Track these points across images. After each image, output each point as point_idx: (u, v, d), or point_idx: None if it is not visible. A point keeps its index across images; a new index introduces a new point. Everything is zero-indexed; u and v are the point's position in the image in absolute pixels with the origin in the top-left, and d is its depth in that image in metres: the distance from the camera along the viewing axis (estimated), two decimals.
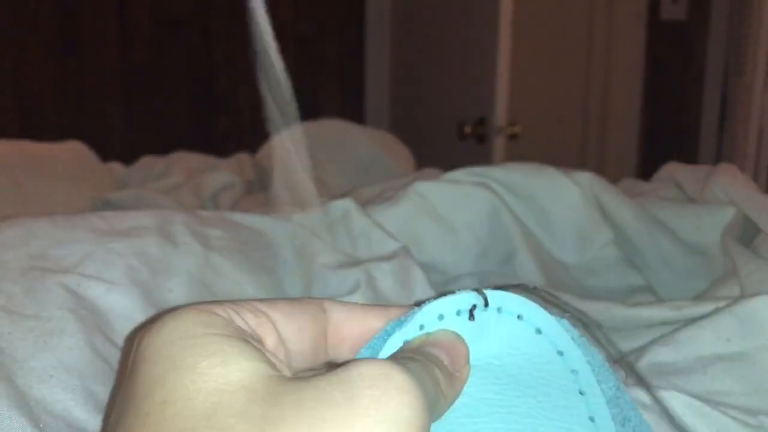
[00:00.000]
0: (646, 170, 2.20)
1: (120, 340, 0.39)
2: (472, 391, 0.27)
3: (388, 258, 0.56)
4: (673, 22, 2.31)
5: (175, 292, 0.45)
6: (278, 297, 0.50)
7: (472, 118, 1.72)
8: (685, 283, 0.67)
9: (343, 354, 0.27)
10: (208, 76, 2.12)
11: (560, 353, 0.28)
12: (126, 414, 0.21)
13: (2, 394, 0.31)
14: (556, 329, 0.28)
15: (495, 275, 0.64)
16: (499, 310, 0.28)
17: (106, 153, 1.12)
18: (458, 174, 0.69)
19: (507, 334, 0.28)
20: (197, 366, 0.20)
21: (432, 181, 0.68)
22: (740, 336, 0.48)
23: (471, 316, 0.27)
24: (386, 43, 2.25)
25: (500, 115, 1.65)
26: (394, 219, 0.64)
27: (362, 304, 0.28)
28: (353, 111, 2.24)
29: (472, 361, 0.27)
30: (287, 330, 0.25)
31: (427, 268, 0.60)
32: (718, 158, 2.23)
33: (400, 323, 0.26)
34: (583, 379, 0.28)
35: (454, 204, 0.66)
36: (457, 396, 0.26)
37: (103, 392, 0.34)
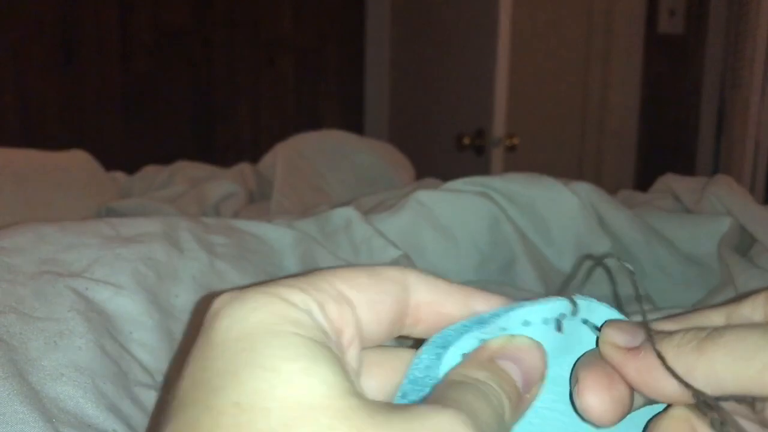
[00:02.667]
0: (643, 181, 2.22)
1: (127, 342, 0.40)
2: (540, 406, 0.26)
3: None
4: (671, 36, 2.34)
5: (181, 296, 0.45)
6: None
7: (471, 130, 1.73)
8: (682, 292, 0.68)
9: (415, 332, 0.26)
10: (207, 86, 2.13)
11: None
12: (196, 402, 0.20)
13: (16, 392, 0.31)
14: None
15: (495, 283, 0.65)
16: (585, 321, 0.26)
17: (106, 162, 1.13)
18: (459, 183, 0.70)
19: (591, 347, 0.26)
20: (278, 370, 0.19)
21: (433, 190, 0.69)
22: None
23: (558, 327, 0.25)
24: (386, 55, 2.26)
25: (498, 126, 1.66)
26: (395, 227, 0.65)
27: (447, 285, 0.26)
28: (353, 122, 2.25)
29: (549, 371, 0.26)
30: (368, 316, 0.24)
31: None
32: (714, 170, 2.25)
33: (480, 322, 0.25)
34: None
35: (454, 213, 0.67)
36: (519, 419, 0.24)
37: (113, 390, 0.35)
